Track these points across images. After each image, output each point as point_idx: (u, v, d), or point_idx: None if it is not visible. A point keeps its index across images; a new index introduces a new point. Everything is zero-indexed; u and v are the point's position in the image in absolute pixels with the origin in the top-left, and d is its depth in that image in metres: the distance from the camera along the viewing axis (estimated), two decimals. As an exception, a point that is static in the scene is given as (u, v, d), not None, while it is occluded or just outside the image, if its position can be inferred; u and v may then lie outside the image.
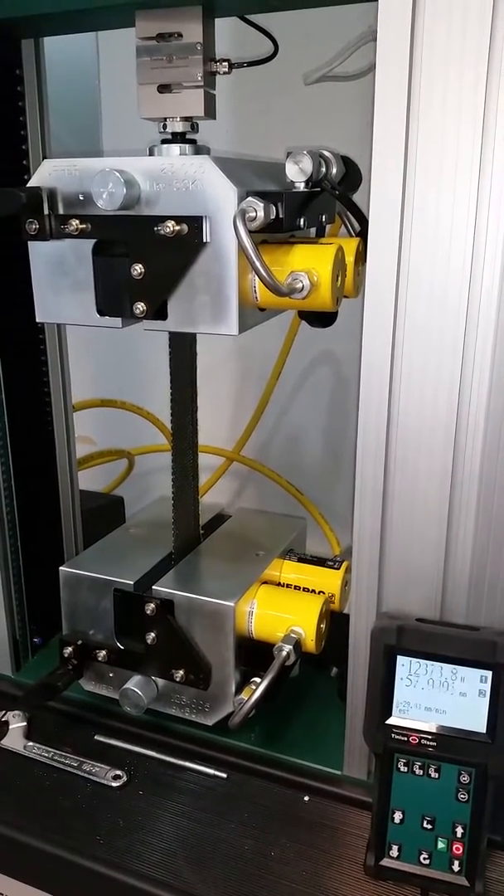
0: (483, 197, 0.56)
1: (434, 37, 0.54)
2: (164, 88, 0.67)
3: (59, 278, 0.66)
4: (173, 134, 0.68)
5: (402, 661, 0.64)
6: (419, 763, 0.64)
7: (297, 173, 0.63)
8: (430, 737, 0.63)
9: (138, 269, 0.62)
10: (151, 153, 0.68)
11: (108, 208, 0.61)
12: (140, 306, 0.63)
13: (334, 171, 0.68)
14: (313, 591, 0.80)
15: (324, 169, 0.66)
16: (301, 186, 0.64)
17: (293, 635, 0.74)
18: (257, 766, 0.75)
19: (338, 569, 0.81)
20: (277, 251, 0.63)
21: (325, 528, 1.24)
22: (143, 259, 0.62)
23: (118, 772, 0.74)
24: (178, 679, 0.75)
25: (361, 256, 0.68)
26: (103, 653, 0.78)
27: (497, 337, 0.58)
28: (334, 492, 1.26)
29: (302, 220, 0.64)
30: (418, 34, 0.54)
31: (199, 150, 0.68)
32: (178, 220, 0.60)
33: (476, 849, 0.62)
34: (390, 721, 0.64)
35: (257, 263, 0.57)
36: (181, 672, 0.75)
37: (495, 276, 0.57)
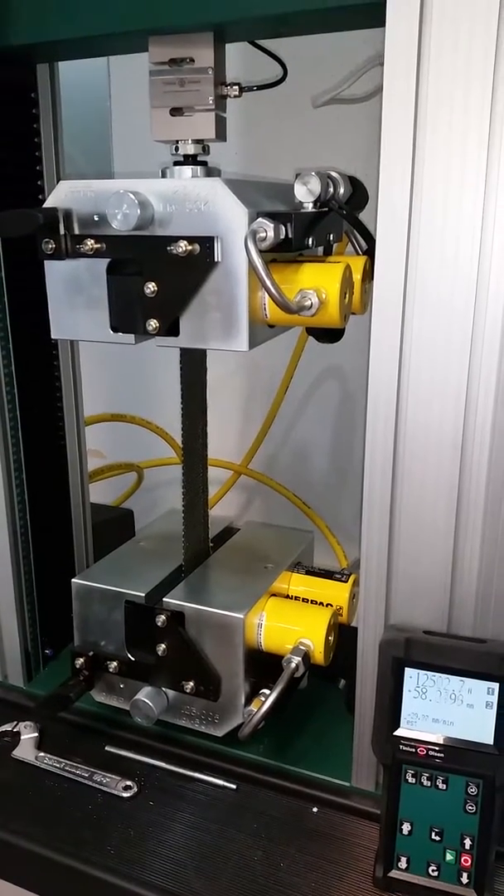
0: (489, 216, 0.57)
1: (440, 61, 0.56)
2: (176, 112, 0.69)
3: (74, 296, 0.68)
4: (185, 156, 0.70)
5: (409, 673, 0.64)
6: (427, 774, 0.64)
7: (305, 194, 0.65)
8: (437, 748, 0.64)
9: (151, 287, 0.64)
10: (164, 175, 0.70)
11: (122, 229, 0.62)
12: (153, 323, 0.65)
13: (342, 191, 0.70)
14: (321, 603, 0.81)
15: (331, 189, 0.68)
16: (309, 207, 0.65)
17: (302, 647, 0.74)
18: (267, 778, 0.76)
19: (346, 581, 0.82)
20: (287, 270, 0.65)
21: (332, 541, 1.24)
22: (157, 278, 0.63)
23: (129, 782, 0.75)
24: (188, 690, 0.76)
25: (368, 274, 0.70)
26: (114, 664, 0.79)
27: (503, 353, 0.59)
28: (341, 505, 1.27)
29: (310, 240, 0.66)
30: (424, 58, 0.56)
31: (210, 171, 0.69)
32: (191, 240, 0.61)
33: (484, 861, 0.63)
34: (398, 732, 0.65)
35: (268, 282, 0.58)
36: (191, 683, 0.75)
37: (501, 293, 0.58)
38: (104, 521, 1.14)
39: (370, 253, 0.69)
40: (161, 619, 0.75)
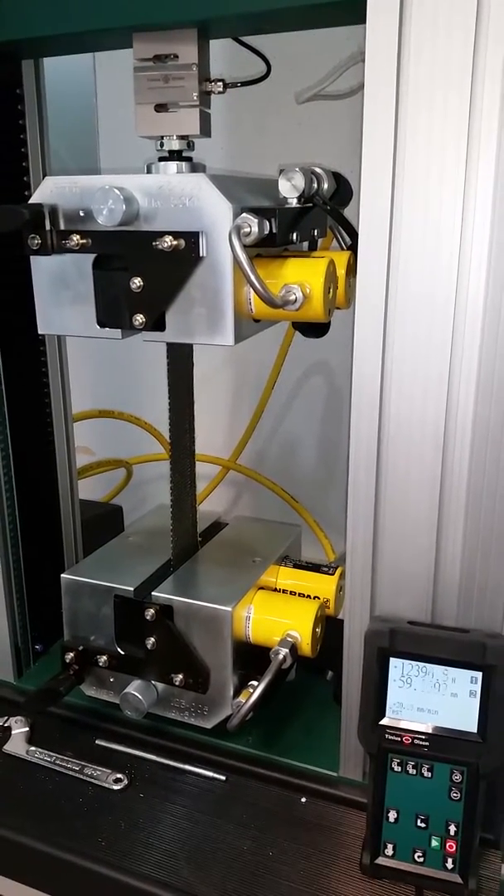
0: (469, 211, 0.58)
1: (420, 56, 0.56)
2: (160, 108, 0.69)
3: (61, 291, 0.68)
4: (170, 152, 0.70)
5: (394, 663, 0.65)
6: (412, 763, 0.65)
7: (289, 189, 0.65)
8: (422, 737, 0.65)
9: (137, 282, 0.64)
10: (149, 171, 0.70)
11: (108, 224, 0.63)
12: (139, 318, 0.65)
13: (326, 186, 0.70)
14: (309, 596, 0.82)
15: (315, 185, 0.68)
16: (293, 202, 0.66)
17: (289, 639, 0.75)
18: (255, 769, 0.77)
19: (332, 574, 0.83)
20: (271, 265, 0.65)
21: (319, 534, 1.25)
22: (142, 273, 0.64)
23: (119, 775, 0.76)
24: (177, 683, 0.76)
25: (352, 269, 0.70)
26: (104, 658, 0.79)
27: (483, 346, 0.60)
28: (328, 499, 1.28)
29: (294, 235, 0.66)
30: (405, 54, 0.57)
31: (195, 167, 0.70)
32: (176, 235, 0.62)
33: (469, 847, 0.63)
34: (384, 722, 0.66)
35: (252, 277, 0.59)
36: (180, 676, 0.76)
37: (481, 287, 0.59)
38: (93, 518, 1.14)
39: (354, 248, 0.70)
40: (150, 612, 0.76)
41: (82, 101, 1.22)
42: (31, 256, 0.68)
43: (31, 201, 0.67)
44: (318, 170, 0.69)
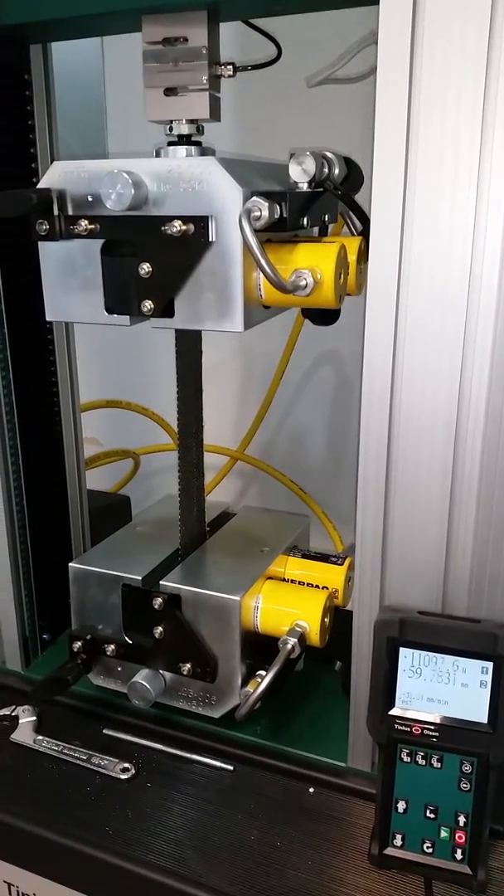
0: (483, 196, 0.57)
1: (434, 39, 0.55)
2: (170, 92, 0.68)
3: (69, 278, 0.68)
4: (179, 136, 0.69)
5: (404, 653, 0.65)
6: (422, 753, 0.65)
7: (300, 174, 0.64)
8: (432, 727, 0.64)
9: (146, 268, 0.63)
10: (158, 155, 0.69)
11: (116, 209, 0.62)
12: (148, 304, 0.64)
13: (337, 171, 0.70)
14: (317, 586, 0.81)
15: (326, 169, 0.67)
16: (304, 187, 0.65)
17: (298, 629, 0.75)
18: (263, 759, 0.76)
19: (341, 565, 0.82)
20: (281, 250, 0.65)
21: (328, 525, 1.25)
22: (151, 258, 0.63)
23: (126, 764, 0.76)
24: (185, 672, 0.76)
25: (364, 255, 0.70)
26: (112, 647, 0.79)
27: (497, 335, 0.59)
28: (337, 489, 1.28)
29: (305, 220, 0.65)
30: (419, 36, 0.56)
31: (204, 151, 0.69)
32: (185, 219, 0.61)
33: (478, 838, 0.63)
34: (393, 712, 0.65)
35: (262, 261, 0.58)
36: (188, 665, 0.76)
37: (494, 274, 0.58)
38: (101, 508, 1.14)
39: (365, 234, 0.69)
40: (158, 601, 0.75)
41: (91, 87, 1.21)
42: (39, 242, 0.67)
43: (39, 186, 0.66)
44: (329, 154, 0.69)
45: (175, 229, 0.61)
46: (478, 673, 0.63)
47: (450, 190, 0.58)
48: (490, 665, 0.62)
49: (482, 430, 0.62)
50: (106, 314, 0.67)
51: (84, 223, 0.64)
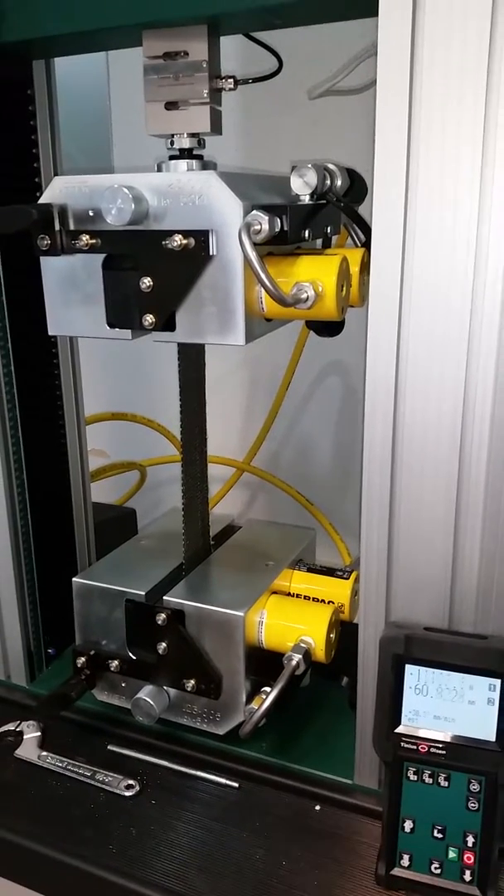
0: (485, 207, 0.57)
1: (434, 49, 0.55)
2: (171, 105, 0.68)
3: (71, 292, 0.67)
4: (181, 150, 0.69)
5: (410, 669, 0.64)
6: (429, 772, 0.63)
7: (301, 186, 0.64)
8: (439, 745, 0.63)
9: (147, 282, 0.63)
10: (159, 169, 0.69)
11: (117, 224, 0.62)
12: (149, 318, 0.64)
13: (339, 183, 0.69)
14: (323, 601, 0.81)
15: (328, 182, 0.67)
16: (306, 199, 0.65)
17: (303, 645, 0.74)
18: (269, 776, 0.75)
19: (347, 579, 0.81)
20: (283, 263, 0.64)
21: (335, 538, 1.24)
22: (152, 272, 0.63)
23: (131, 781, 0.75)
24: (189, 689, 0.75)
25: (366, 266, 0.69)
26: (115, 663, 0.79)
27: (501, 345, 0.59)
28: (344, 502, 1.27)
29: (307, 232, 0.65)
30: (418, 48, 0.55)
31: (205, 165, 0.69)
32: (186, 234, 0.61)
33: (487, 858, 0.62)
34: (399, 730, 0.64)
35: (262, 275, 0.58)
36: (192, 682, 0.75)
37: (498, 284, 0.58)
38: (106, 521, 1.14)
39: (368, 245, 0.68)
40: (161, 617, 0.75)
41: (96, 102, 1.22)
42: (41, 257, 0.67)
43: (40, 201, 0.66)
44: (331, 166, 0.68)
45: (175, 243, 0.61)
46: (485, 690, 0.62)
47: (451, 200, 0.57)
48: (498, 682, 0.61)
49: (487, 440, 0.61)
50: (108, 328, 0.67)
51: (85, 238, 0.64)
